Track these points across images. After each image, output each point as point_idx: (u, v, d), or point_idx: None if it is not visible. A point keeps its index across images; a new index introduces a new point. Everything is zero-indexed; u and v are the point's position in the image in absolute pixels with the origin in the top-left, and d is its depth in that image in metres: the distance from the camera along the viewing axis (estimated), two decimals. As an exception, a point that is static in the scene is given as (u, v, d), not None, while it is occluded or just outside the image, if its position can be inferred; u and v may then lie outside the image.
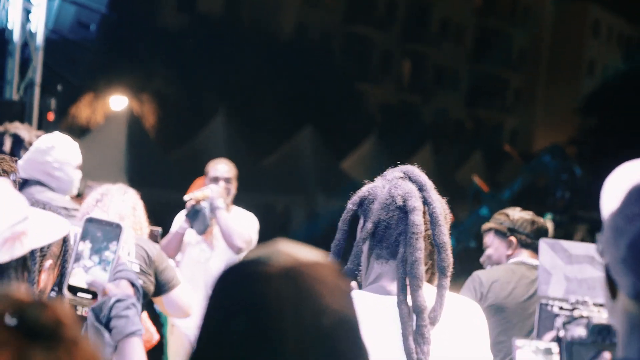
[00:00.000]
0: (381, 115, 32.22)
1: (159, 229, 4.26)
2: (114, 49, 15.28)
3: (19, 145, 5.34)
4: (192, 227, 5.50)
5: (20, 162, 3.80)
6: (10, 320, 0.88)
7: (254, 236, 5.60)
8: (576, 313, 1.53)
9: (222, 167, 5.77)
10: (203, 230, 5.49)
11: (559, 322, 1.53)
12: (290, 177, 19.77)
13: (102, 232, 1.89)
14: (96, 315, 1.82)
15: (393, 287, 2.10)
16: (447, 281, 2.08)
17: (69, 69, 8.21)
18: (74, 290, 1.86)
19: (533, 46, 43.61)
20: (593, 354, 1.47)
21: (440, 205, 2.14)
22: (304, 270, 1.17)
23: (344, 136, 24.55)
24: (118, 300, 1.82)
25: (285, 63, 26.68)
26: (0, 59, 7.92)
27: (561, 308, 1.55)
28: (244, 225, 5.55)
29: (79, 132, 18.62)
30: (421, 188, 2.16)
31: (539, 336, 1.55)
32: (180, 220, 5.54)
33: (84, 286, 1.86)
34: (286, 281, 1.14)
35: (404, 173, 2.20)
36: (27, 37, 7.95)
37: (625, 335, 1.30)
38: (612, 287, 1.30)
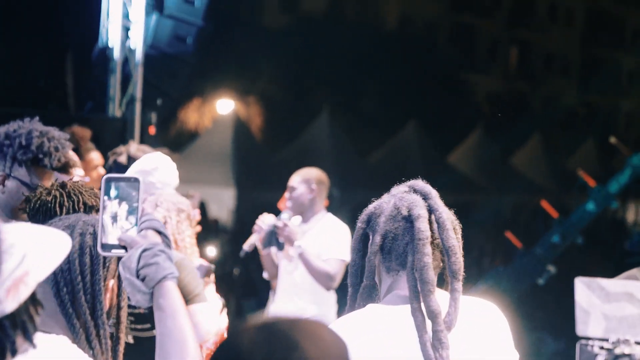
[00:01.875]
0: (488, 105, 31.72)
1: (197, 194, 4.34)
2: (214, 57, 15.61)
3: None
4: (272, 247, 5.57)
5: None
6: None
7: (348, 249, 5.47)
8: (617, 351, 1.49)
9: (292, 177, 5.67)
10: (281, 248, 5.54)
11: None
12: (397, 173, 19.56)
13: (123, 188, 1.98)
14: (126, 267, 1.88)
15: (406, 296, 2.14)
16: (460, 285, 2.13)
17: (168, 83, 8.43)
18: (108, 248, 1.96)
19: (647, 25, 41.99)
20: None
21: (446, 211, 2.19)
22: (282, 322, 1.26)
23: (450, 128, 24.28)
24: (145, 250, 1.87)
25: (389, 56, 26.61)
26: (102, 76, 8.21)
27: (602, 348, 1.52)
28: (333, 250, 5.42)
29: (188, 137, 19.07)
30: (426, 197, 2.22)
31: None
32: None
33: (116, 242, 1.95)
34: (260, 332, 1.24)
35: (409, 187, 2.27)
36: (127, 54, 8.21)
37: None
38: None
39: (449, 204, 2.30)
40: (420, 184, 2.28)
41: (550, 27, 37.94)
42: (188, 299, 3.43)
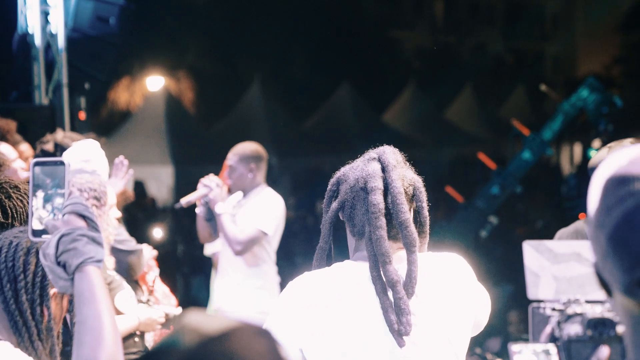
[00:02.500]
0: (418, 61, 31.89)
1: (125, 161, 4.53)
2: (140, 34, 15.35)
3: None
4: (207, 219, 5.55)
5: None
6: None
7: (271, 221, 5.52)
8: (569, 311, 1.51)
9: (229, 155, 5.67)
10: (214, 224, 5.52)
11: (552, 322, 1.52)
12: (334, 137, 19.71)
13: (49, 173, 1.94)
14: (46, 254, 1.82)
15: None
16: (414, 256, 2.17)
17: (94, 66, 8.25)
18: (38, 233, 1.91)
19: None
20: (590, 350, 1.47)
21: (400, 184, 2.22)
22: (209, 345, 1.16)
23: (383, 87, 24.35)
24: (63, 235, 1.81)
25: (315, 19, 26.51)
26: (25, 64, 7.99)
27: (553, 309, 1.54)
28: (251, 219, 5.48)
29: (120, 118, 18.79)
30: (384, 169, 2.23)
31: (534, 340, 1.56)
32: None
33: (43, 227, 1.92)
34: None
35: (377, 154, 2.29)
36: (49, 39, 7.99)
37: (630, 335, 1.26)
38: (605, 287, 1.27)
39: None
40: (386, 152, 2.29)
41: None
42: None
